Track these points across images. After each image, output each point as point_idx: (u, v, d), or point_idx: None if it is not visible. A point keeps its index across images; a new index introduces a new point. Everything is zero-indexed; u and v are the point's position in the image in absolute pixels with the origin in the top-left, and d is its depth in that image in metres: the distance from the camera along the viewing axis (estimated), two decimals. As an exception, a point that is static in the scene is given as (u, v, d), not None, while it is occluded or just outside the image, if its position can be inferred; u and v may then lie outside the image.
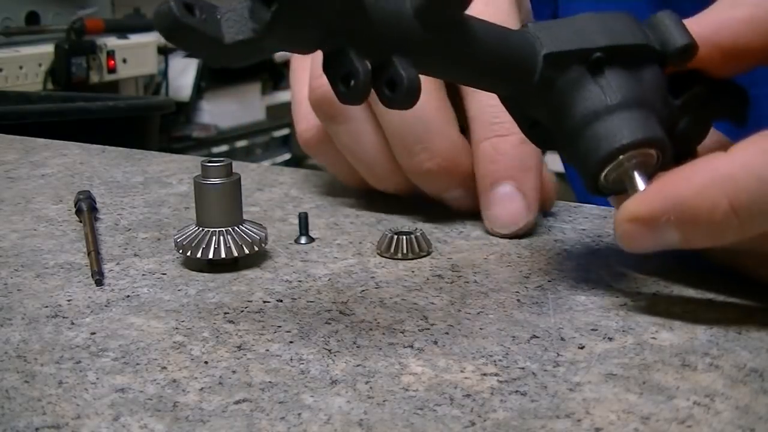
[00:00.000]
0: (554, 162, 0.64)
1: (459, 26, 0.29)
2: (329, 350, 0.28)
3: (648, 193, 0.28)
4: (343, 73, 0.27)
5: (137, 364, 0.27)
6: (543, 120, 0.32)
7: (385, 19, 0.27)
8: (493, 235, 0.39)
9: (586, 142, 0.30)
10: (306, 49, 0.28)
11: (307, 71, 0.42)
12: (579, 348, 0.28)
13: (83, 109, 1.30)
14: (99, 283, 0.34)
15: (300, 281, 0.34)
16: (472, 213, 0.41)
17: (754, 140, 0.27)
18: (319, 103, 0.40)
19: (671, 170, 0.27)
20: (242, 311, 0.31)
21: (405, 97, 0.27)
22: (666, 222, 0.27)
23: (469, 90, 0.39)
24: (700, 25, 0.31)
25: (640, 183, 0.29)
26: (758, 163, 0.26)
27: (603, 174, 0.30)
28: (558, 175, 0.72)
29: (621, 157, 0.29)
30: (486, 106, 0.39)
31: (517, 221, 0.38)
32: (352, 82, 0.27)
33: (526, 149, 0.38)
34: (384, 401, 0.25)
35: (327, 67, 0.27)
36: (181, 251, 0.35)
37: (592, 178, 0.30)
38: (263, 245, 0.36)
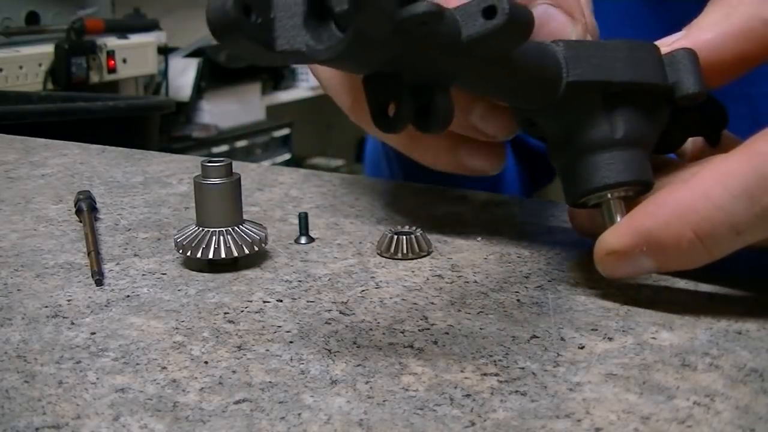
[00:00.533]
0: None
1: (507, 55, 0.28)
2: (329, 350, 0.28)
3: (621, 228, 0.30)
4: (385, 99, 0.27)
5: (137, 364, 0.27)
6: (546, 132, 0.33)
7: (440, 49, 0.26)
8: None
9: (582, 167, 0.32)
10: (356, 72, 0.28)
11: None
12: (579, 348, 0.28)
13: (83, 109, 1.30)
14: (99, 283, 0.34)
15: (300, 281, 0.34)
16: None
17: (711, 167, 0.28)
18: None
19: (641, 203, 0.30)
20: (242, 311, 0.31)
21: (440, 125, 0.27)
22: (640, 253, 0.29)
23: None
24: (698, 41, 0.32)
25: (616, 215, 0.31)
26: (717, 193, 0.27)
27: (586, 198, 0.32)
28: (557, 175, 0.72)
29: (607, 191, 0.31)
30: None
31: (566, 35, 0.34)
32: (394, 111, 0.26)
33: None
34: (384, 401, 0.25)
35: (369, 89, 0.27)
36: (181, 251, 0.35)
37: (575, 198, 0.32)
38: (263, 245, 0.36)
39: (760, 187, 0.27)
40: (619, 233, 0.30)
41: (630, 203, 0.31)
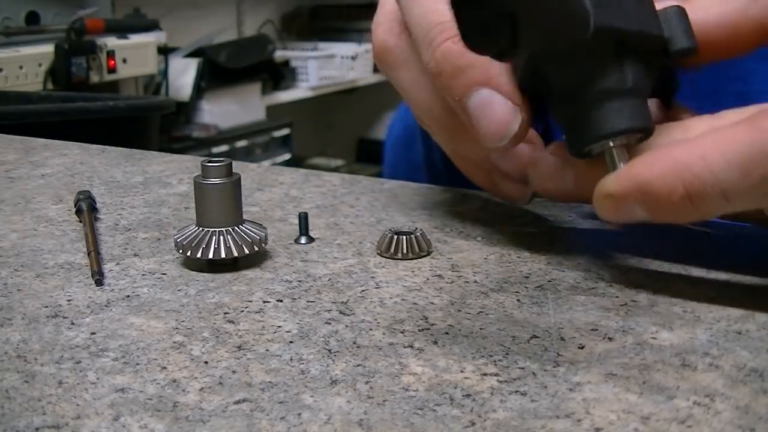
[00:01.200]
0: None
1: None
2: (329, 350, 0.28)
3: (621, 174, 0.31)
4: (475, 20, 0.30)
5: (137, 364, 0.27)
6: (554, 82, 0.33)
7: None
8: (495, 159, 0.37)
9: (592, 115, 0.32)
10: None
11: None
12: (579, 348, 0.28)
13: (83, 109, 1.30)
14: (99, 283, 0.34)
15: (300, 281, 0.34)
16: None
17: (715, 132, 0.29)
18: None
19: (642, 155, 0.31)
20: (242, 311, 0.31)
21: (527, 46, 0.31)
22: (634, 201, 0.30)
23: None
24: (697, 17, 0.32)
25: (620, 162, 0.32)
26: (714, 158, 0.28)
27: (593, 145, 0.33)
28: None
29: (611, 139, 0.32)
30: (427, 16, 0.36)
31: (509, 125, 0.34)
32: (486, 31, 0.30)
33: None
34: (384, 401, 0.25)
35: (460, 10, 0.30)
36: (181, 251, 0.35)
37: (582, 146, 0.33)
38: (263, 245, 0.36)
39: (754, 161, 0.28)
40: (618, 179, 0.31)
41: (631, 150, 0.32)
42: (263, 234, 0.36)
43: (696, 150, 0.29)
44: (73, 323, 0.30)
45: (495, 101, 0.34)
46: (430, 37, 0.35)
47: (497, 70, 0.34)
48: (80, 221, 0.42)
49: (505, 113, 0.34)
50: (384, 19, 0.39)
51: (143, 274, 0.35)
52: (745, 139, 0.28)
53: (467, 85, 0.34)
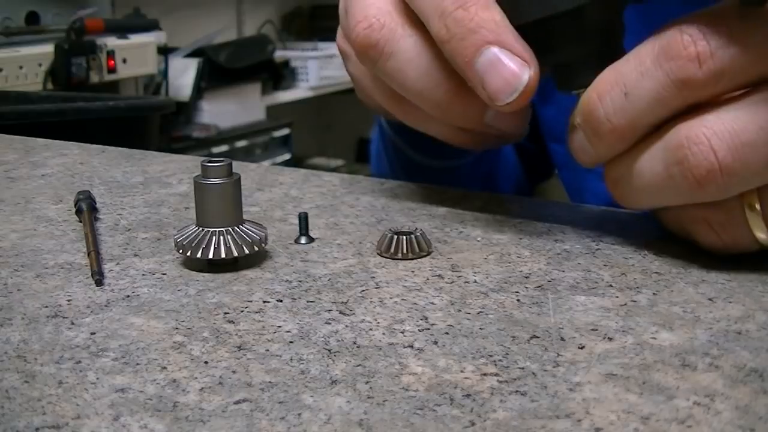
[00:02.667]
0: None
1: None
2: (329, 350, 0.28)
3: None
4: None
5: (137, 364, 0.27)
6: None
7: None
8: (499, 113, 0.38)
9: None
10: None
11: None
12: (579, 348, 0.28)
13: (83, 109, 1.30)
14: (99, 283, 0.34)
15: (300, 281, 0.34)
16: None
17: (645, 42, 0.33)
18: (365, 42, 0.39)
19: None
20: (242, 311, 0.31)
21: None
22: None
23: None
24: None
25: None
26: (624, 61, 0.33)
27: None
28: (547, 181, 0.73)
29: None
30: None
31: (519, 80, 0.34)
32: None
33: (493, 10, 0.35)
34: (384, 401, 0.25)
35: None
36: (181, 251, 0.35)
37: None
38: (263, 245, 0.36)
39: (649, 55, 0.32)
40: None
41: None
42: (263, 234, 0.36)
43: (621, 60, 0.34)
44: (73, 323, 0.30)
45: (504, 57, 0.34)
46: (442, 7, 0.35)
47: (506, 29, 0.35)
48: (80, 221, 0.42)
49: (515, 68, 0.34)
50: (361, 17, 0.39)
51: (143, 274, 0.35)
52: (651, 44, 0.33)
53: (477, 45, 0.35)
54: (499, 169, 0.64)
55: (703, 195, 0.32)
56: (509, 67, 0.34)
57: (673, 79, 0.32)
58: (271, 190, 0.48)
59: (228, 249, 0.35)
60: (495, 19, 0.34)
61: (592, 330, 0.29)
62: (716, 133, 0.31)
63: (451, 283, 0.34)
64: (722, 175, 0.31)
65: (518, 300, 0.32)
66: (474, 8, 0.35)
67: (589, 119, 0.34)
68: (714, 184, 0.31)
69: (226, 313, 0.31)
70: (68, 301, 0.33)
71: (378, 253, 0.37)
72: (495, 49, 0.34)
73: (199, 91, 2.52)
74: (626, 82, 0.33)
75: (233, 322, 0.30)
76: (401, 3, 0.38)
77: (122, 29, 2.24)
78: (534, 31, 0.35)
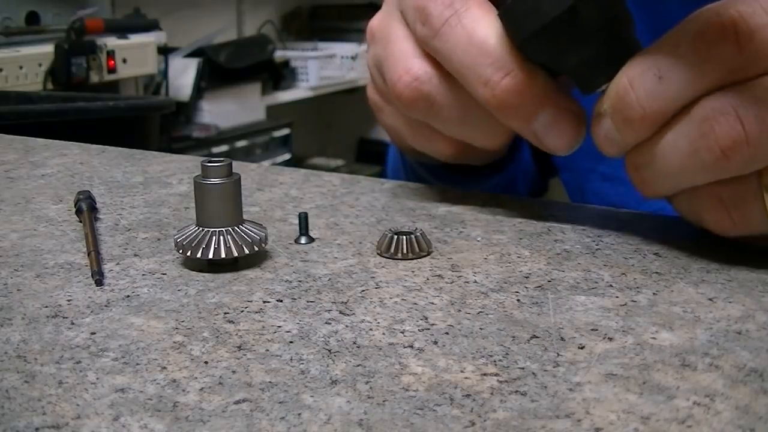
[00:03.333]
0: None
1: None
2: (329, 350, 0.28)
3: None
4: None
5: (137, 364, 0.27)
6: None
7: None
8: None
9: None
10: None
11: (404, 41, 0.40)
12: (579, 348, 0.28)
13: (83, 109, 1.30)
14: (99, 283, 0.34)
15: (300, 281, 0.34)
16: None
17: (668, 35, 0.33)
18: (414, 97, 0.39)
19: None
20: (242, 311, 0.31)
21: None
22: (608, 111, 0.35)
23: None
24: None
25: None
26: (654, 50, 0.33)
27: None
28: (554, 178, 0.72)
29: None
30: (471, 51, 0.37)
31: (577, 138, 0.37)
32: None
33: (539, 77, 0.37)
34: (384, 401, 0.25)
35: None
36: (181, 251, 0.35)
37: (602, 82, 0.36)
38: (263, 245, 0.36)
39: (684, 39, 0.32)
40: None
41: None
42: (263, 234, 0.36)
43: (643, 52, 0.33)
44: (73, 323, 0.30)
45: (560, 120, 0.36)
46: (485, 76, 0.36)
47: (554, 90, 0.36)
48: (80, 221, 0.42)
49: (573, 128, 0.37)
50: (403, 71, 0.39)
51: (143, 274, 0.35)
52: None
53: (532, 113, 0.36)
54: (519, 170, 0.64)
55: (727, 168, 0.31)
56: (567, 130, 0.36)
57: (711, 64, 0.31)
58: (271, 190, 0.48)
59: (228, 249, 0.35)
60: (540, 80, 0.36)
61: (592, 330, 0.29)
62: (743, 103, 0.30)
63: (451, 283, 0.34)
64: (749, 145, 0.30)
65: (518, 300, 0.32)
66: (515, 72, 0.36)
67: (620, 106, 0.33)
68: (740, 155, 0.31)
69: (226, 313, 0.31)
70: (68, 301, 0.33)
71: (378, 253, 0.37)
72: (550, 113, 0.36)
73: (199, 91, 2.52)
74: (660, 66, 0.32)
75: (233, 322, 0.30)
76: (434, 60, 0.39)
77: (122, 29, 2.23)
78: (537, 43, 0.35)
